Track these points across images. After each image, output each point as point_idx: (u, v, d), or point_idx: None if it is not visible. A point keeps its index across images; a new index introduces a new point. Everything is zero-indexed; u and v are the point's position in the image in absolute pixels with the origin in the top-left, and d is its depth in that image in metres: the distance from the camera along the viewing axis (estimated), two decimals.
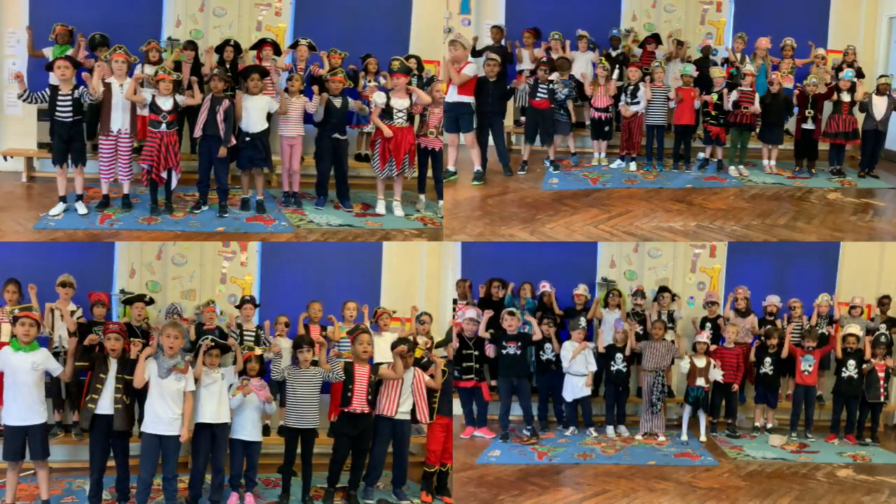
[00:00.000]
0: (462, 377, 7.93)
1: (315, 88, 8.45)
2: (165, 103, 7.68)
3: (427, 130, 8.27)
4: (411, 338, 7.05)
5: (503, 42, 9.79)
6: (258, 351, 6.69)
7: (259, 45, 8.67)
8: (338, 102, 8.16)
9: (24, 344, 5.90)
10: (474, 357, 7.92)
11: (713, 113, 9.40)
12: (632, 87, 9.33)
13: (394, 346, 6.72)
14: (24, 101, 7.58)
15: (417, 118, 8.28)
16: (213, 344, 6.31)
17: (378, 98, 7.99)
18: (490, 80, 8.76)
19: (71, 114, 7.51)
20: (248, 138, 7.98)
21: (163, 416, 6.02)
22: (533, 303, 8.47)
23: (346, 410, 6.49)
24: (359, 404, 6.48)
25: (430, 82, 8.58)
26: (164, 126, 7.68)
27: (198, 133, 7.87)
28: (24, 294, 6.92)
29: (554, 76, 9.20)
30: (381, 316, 7.63)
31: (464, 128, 8.71)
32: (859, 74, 9.68)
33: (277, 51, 8.79)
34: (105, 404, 6.11)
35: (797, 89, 9.56)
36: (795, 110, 9.57)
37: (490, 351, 8.10)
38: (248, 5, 9.13)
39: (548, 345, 8.14)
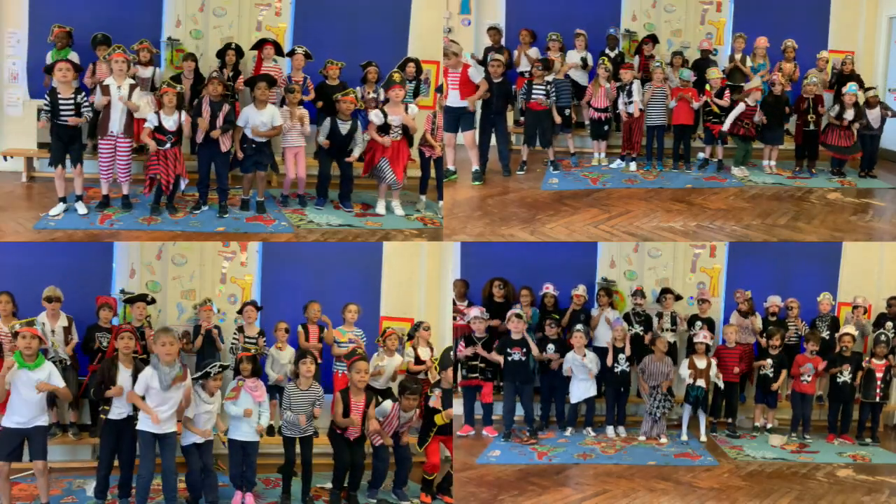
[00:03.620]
0: (468, 375, 7.99)
1: (319, 104, 8.47)
2: (171, 122, 7.62)
3: (438, 142, 8.35)
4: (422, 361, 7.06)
5: (502, 42, 9.78)
6: (252, 351, 6.68)
7: (260, 44, 8.68)
8: (344, 128, 8.07)
9: (28, 358, 5.82)
10: (480, 357, 7.98)
11: (716, 111, 9.39)
12: (627, 88, 9.33)
13: (402, 390, 6.67)
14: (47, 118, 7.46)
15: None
16: (220, 370, 6.32)
17: (375, 118, 7.99)
18: (494, 81, 8.76)
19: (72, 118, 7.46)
20: (253, 145, 7.97)
21: (159, 415, 6.00)
22: (535, 319, 8.38)
23: (339, 433, 6.55)
24: (353, 433, 6.54)
25: (427, 83, 8.58)
26: (168, 145, 7.64)
27: (199, 139, 7.79)
28: (18, 306, 6.83)
29: (551, 77, 9.19)
30: (390, 336, 7.36)
31: (463, 127, 8.70)
32: (861, 84, 9.62)
33: (279, 50, 8.79)
34: (117, 410, 6.11)
35: (801, 95, 9.53)
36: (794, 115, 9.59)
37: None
38: (248, 5, 9.10)
39: (550, 345, 8.12)
